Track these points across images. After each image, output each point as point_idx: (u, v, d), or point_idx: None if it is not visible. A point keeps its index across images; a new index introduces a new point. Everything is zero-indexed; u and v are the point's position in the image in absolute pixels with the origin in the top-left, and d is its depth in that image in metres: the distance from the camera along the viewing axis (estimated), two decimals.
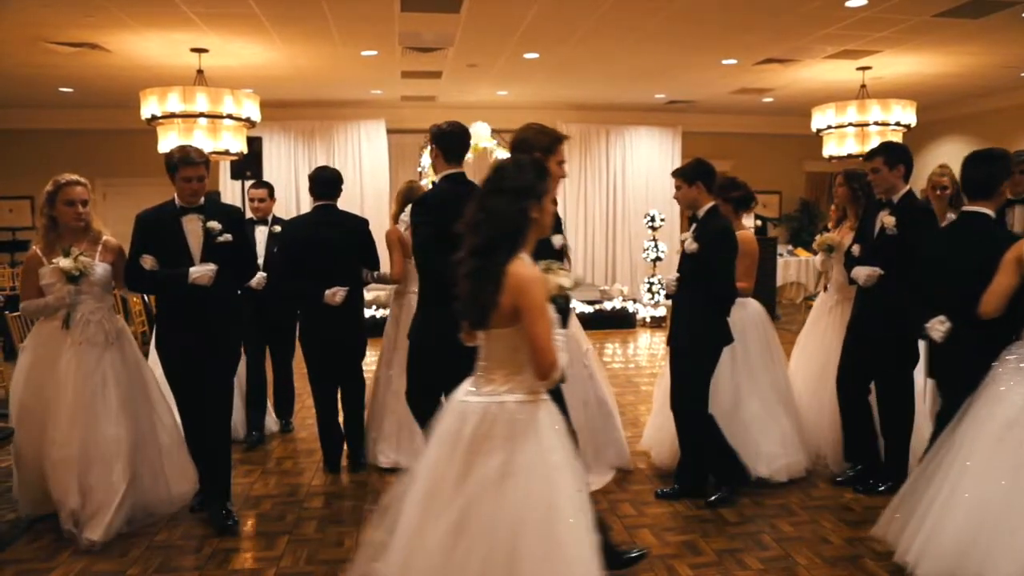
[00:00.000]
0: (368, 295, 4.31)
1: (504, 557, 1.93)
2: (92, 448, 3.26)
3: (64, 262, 3.30)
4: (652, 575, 2.99)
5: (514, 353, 2.07)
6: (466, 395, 2.13)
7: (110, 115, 9.70)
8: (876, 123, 7.89)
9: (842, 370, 3.81)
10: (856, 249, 3.73)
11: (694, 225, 3.64)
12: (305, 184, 10.91)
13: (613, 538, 3.04)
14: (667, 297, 3.69)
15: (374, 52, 7.42)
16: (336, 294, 3.92)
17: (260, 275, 4.28)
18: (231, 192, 9.54)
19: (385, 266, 4.35)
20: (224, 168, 9.14)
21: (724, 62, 7.97)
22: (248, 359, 4.46)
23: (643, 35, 6.85)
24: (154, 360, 3.61)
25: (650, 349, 8.16)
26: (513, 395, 2.06)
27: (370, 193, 10.60)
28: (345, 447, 4.29)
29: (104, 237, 3.52)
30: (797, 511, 3.57)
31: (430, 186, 11.24)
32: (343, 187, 4.20)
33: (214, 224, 3.40)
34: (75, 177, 3.45)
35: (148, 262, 3.34)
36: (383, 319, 4.82)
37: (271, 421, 4.88)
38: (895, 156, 3.61)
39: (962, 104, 10.06)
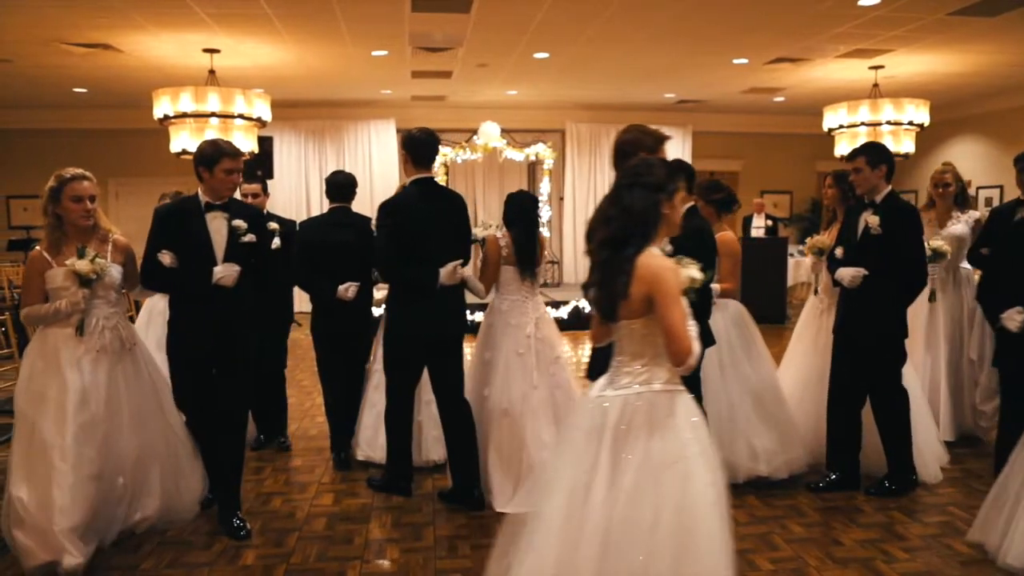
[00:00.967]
0: (377, 294, 4.32)
1: (645, 549, 1.96)
2: (108, 462, 3.08)
3: (81, 264, 3.05)
4: None
5: (647, 344, 2.12)
6: (602, 390, 2.17)
7: (123, 115, 9.80)
8: (889, 122, 7.84)
9: (835, 389, 3.74)
10: (839, 251, 3.68)
11: None
12: (315, 183, 11.11)
13: None
14: None
15: (384, 52, 7.44)
16: (348, 289, 4.02)
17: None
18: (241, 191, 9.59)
19: None
20: None
21: (735, 61, 7.94)
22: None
23: (653, 34, 6.83)
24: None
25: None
26: (650, 386, 2.11)
27: (380, 192, 10.60)
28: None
29: (113, 235, 3.28)
30: (807, 512, 3.55)
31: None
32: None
33: (240, 223, 3.23)
34: (81, 171, 3.17)
35: (167, 258, 3.17)
36: None
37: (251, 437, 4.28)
38: (877, 156, 3.60)
39: (976, 103, 9.98)
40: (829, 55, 7.50)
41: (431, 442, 4.12)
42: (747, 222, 10.26)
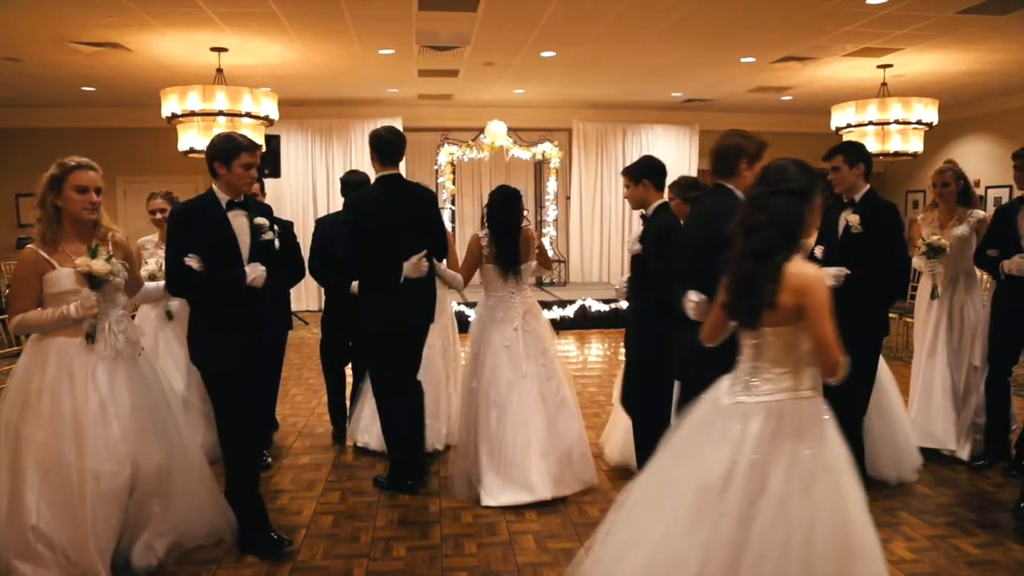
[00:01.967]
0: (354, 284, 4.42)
1: (801, 555, 1.96)
2: (134, 478, 2.84)
3: (98, 264, 2.75)
4: None
5: (791, 352, 2.12)
6: (735, 395, 2.17)
7: (131, 113, 9.84)
8: (897, 122, 7.80)
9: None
10: (819, 250, 3.63)
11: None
12: (322, 182, 11.13)
13: None
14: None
15: (391, 51, 7.46)
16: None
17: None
18: None
19: None
20: None
21: (742, 60, 7.91)
22: None
23: (660, 33, 6.82)
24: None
25: None
26: (794, 393, 2.12)
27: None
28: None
29: (115, 234, 2.99)
30: None
31: (447, 185, 11.24)
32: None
33: (263, 220, 3.09)
34: (86, 160, 2.85)
35: (195, 262, 2.93)
36: None
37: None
38: (855, 155, 3.58)
39: (986, 102, 9.92)
40: (837, 54, 7.47)
41: (431, 433, 4.20)
42: None
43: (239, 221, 3.05)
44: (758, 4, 5.96)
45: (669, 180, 3.84)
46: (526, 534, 3.35)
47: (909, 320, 7.19)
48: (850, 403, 3.57)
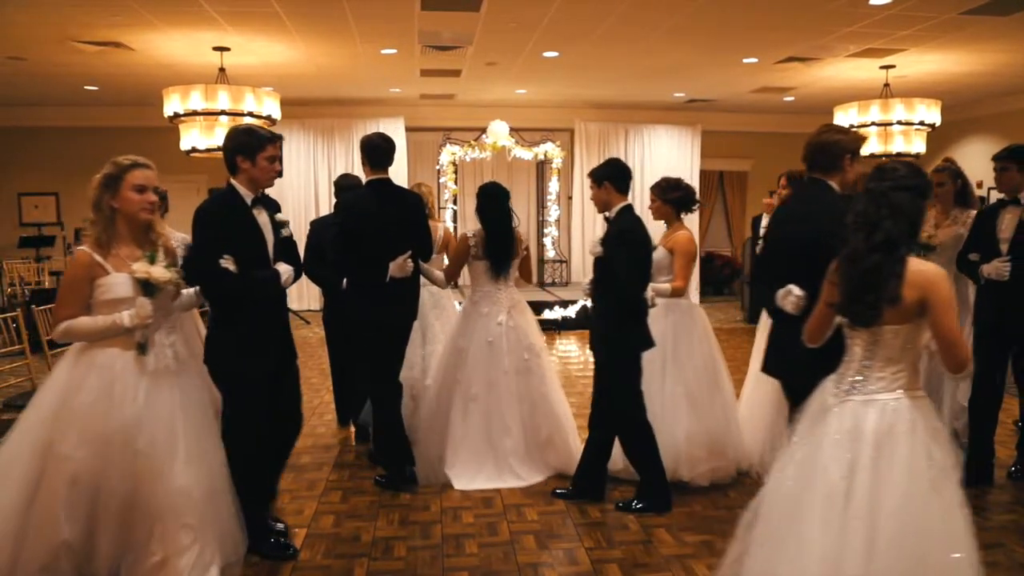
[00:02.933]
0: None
1: (917, 553, 1.99)
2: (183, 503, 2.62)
3: (158, 271, 2.56)
4: (670, 575, 2.98)
5: (908, 349, 2.14)
6: (843, 394, 2.18)
7: (133, 113, 9.86)
8: (900, 122, 7.80)
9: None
10: None
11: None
12: (324, 181, 11.13)
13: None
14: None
15: (393, 50, 7.45)
16: None
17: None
18: None
19: None
20: None
21: (745, 60, 7.91)
22: None
23: (663, 33, 6.81)
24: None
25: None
26: (911, 392, 2.14)
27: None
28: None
29: (165, 239, 2.76)
30: None
31: (449, 185, 11.24)
32: None
33: (283, 217, 3.02)
34: (142, 158, 2.68)
35: (231, 263, 2.79)
36: None
37: None
38: None
39: (989, 103, 9.90)
40: (840, 54, 7.46)
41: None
42: (756, 222, 10.19)
43: (263, 219, 2.96)
44: (761, 5, 5.95)
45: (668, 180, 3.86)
46: (527, 534, 3.35)
47: None
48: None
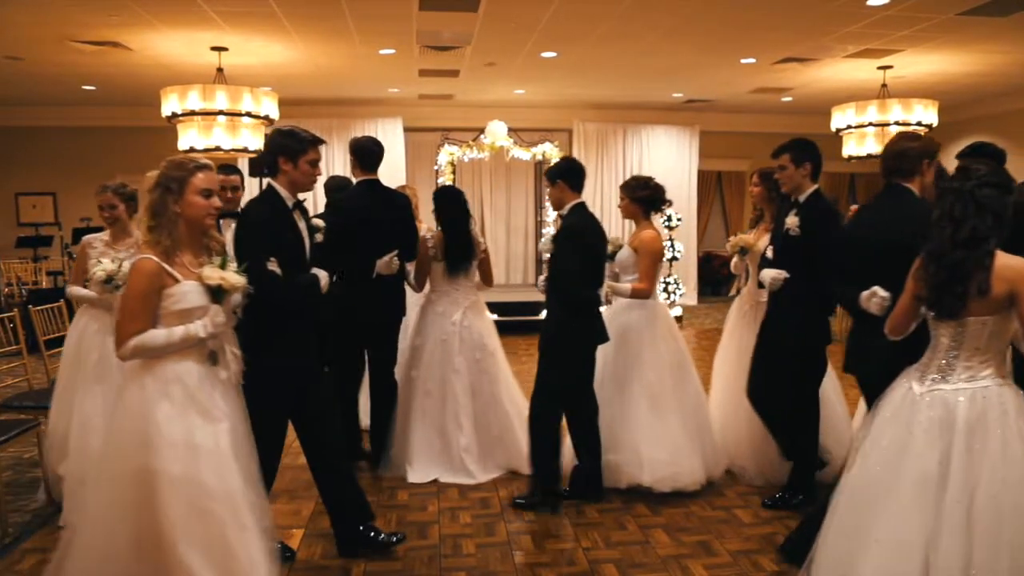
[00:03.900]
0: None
1: (1017, 541, 2.04)
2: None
3: (232, 276, 2.40)
4: (667, 575, 2.98)
5: (995, 340, 2.21)
6: (931, 385, 2.24)
7: (131, 112, 9.84)
8: (897, 123, 7.81)
9: (752, 388, 3.58)
10: (770, 251, 3.55)
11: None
12: (322, 181, 11.04)
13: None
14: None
15: (392, 51, 7.45)
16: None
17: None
18: (249, 189, 9.64)
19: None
20: (242, 165, 9.23)
21: (743, 61, 7.91)
22: None
23: (661, 34, 6.81)
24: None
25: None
26: (995, 380, 2.20)
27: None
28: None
29: (217, 244, 2.58)
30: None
31: (448, 183, 11.26)
32: None
33: (319, 221, 3.03)
34: (205, 159, 2.50)
35: (276, 266, 2.75)
36: None
37: None
38: (802, 154, 3.41)
39: (986, 104, 9.92)
40: (838, 55, 7.47)
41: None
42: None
43: (301, 223, 2.94)
44: (759, 5, 5.96)
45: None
46: (524, 534, 3.35)
47: None
48: (797, 429, 3.53)
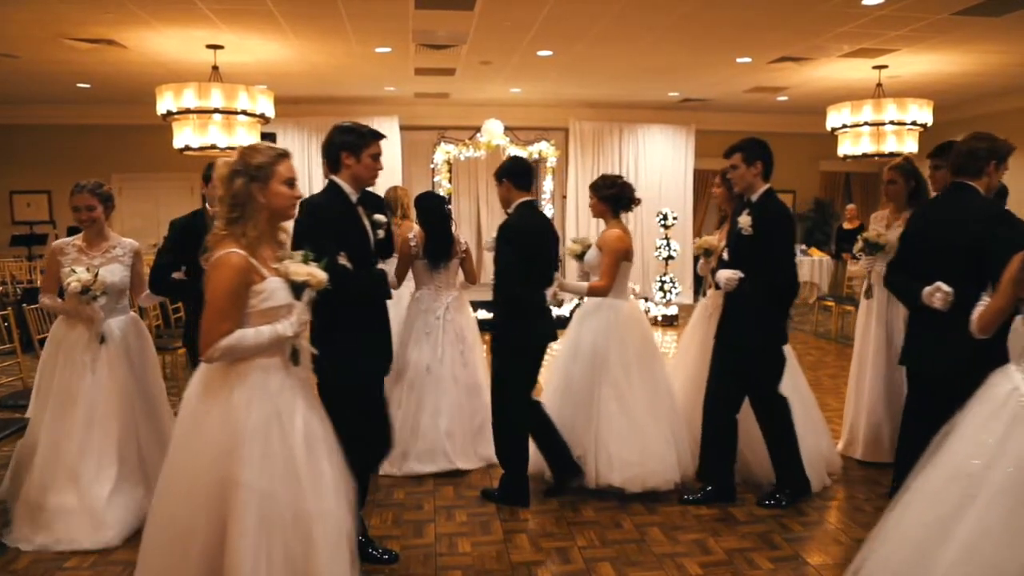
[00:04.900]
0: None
1: None
2: None
3: (317, 271, 2.27)
4: (662, 573, 2.99)
5: None
6: None
7: (126, 110, 9.81)
8: (892, 122, 7.84)
9: (709, 395, 3.55)
10: (726, 252, 3.53)
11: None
12: (317, 180, 11.05)
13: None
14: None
15: (388, 49, 7.45)
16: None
17: None
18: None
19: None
20: None
21: (739, 60, 7.93)
22: None
23: (657, 33, 6.82)
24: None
25: (660, 348, 8.13)
26: None
27: (382, 190, 10.62)
28: None
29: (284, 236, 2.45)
30: (807, 511, 3.55)
31: (444, 183, 11.22)
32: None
33: (380, 217, 2.97)
34: (283, 147, 2.38)
35: (347, 260, 2.70)
36: None
37: None
38: (753, 153, 3.39)
39: (981, 103, 9.96)
40: (833, 54, 7.49)
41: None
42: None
43: (364, 219, 2.91)
44: (754, 5, 5.97)
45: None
46: (520, 532, 3.35)
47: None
48: (761, 418, 3.53)
